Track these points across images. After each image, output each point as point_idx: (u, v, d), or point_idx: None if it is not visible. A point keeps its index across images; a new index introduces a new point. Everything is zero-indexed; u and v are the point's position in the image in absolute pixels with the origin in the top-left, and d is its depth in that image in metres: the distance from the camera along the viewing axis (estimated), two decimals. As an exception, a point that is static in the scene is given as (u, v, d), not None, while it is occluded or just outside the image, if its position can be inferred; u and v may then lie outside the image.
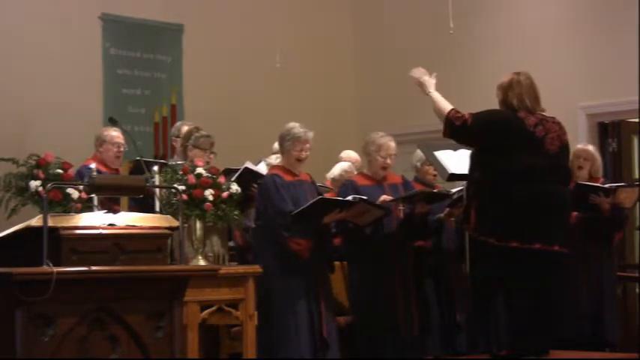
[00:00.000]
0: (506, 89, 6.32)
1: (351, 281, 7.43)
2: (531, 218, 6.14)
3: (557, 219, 6.25)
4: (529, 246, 6.13)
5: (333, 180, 7.82)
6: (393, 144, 7.37)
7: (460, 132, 6.31)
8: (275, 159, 7.65)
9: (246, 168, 7.11)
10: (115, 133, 7.56)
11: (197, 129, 7.32)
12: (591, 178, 7.83)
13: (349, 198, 6.95)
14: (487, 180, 6.26)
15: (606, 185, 7.70)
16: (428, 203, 7.29)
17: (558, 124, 6.35)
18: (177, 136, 7.86)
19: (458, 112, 6.30)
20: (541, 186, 6.18)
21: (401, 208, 7.24)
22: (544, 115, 6.31)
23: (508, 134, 6.21)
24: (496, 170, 6.21)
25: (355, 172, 7.93)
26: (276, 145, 8.03)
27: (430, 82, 6.54)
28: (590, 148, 7.95)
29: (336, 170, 7.91)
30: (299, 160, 7.00)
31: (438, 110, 6.39)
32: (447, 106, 6.36)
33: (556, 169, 6.28)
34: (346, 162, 8.07)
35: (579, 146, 7.84)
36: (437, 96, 6.45)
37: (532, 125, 6.22)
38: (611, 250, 7.96)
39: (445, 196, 7.35)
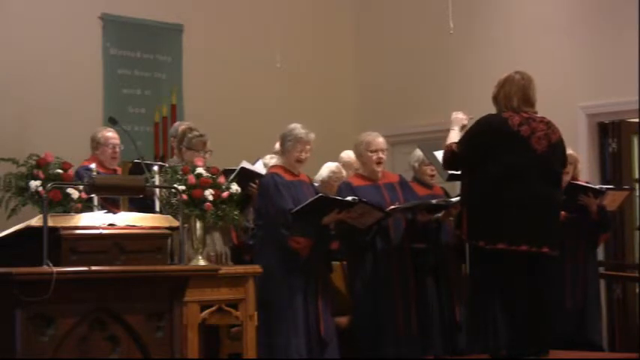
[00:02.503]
0: (500, 86, 6.32)
1: (351, 281, 7.43)
2: (519, 220, 6.09)
3: (546, 220, 6.20)
4: (516, 247, 6.11)
5: (322, 182, 7.79)
6: (381, 139, 7.40)
7: (451, 162, 6.36)
8: (269, 158, 7.66)
9: (243, 168, 7.10)
10: (109, 134, 7.53)
11: (190, 129, 7.30)
12: (574, 179, 7.85)
13: (348, 198, 6.95)
14: (475, 184, 6.25)
15: (597, 187, 7.73)
16: (429, 213, 7.31)
17: (547, 123, 6.26)
18: (176, 137, 7.86)
19: (450, 145, 6.33)
20: (528, 187, 6.12)
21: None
22: (531, 115, 6.23)
23: (492, 137, 6.17)
24: (483, 173, 6.18)
25: (344, 172, 7.92)
26: (277, 145, 8.02)
27: (459, 121, 6.55)
28: (572, 151, 7.97)
29: (324, 172, 7.87)
30: (299, 161, 7.02)
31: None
32: (447, 142, 6.40)
33: (544, 169, 6.21)
34: (333, 163, 8.03)
35: None
36: (452, 134, 6.48)
37: (516, 125, 6.16)
38: (596, 251, 7.99)
39: (445, 207, 7.33)
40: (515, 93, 6.23)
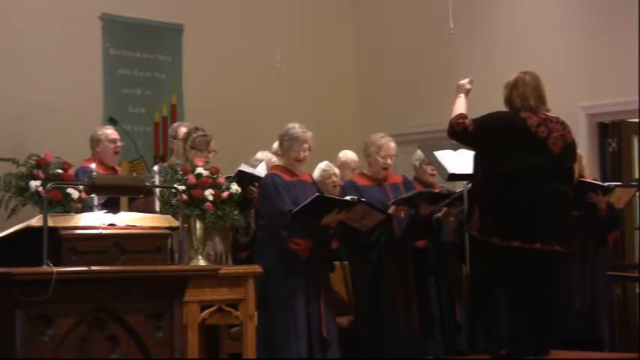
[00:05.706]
0: (511, 87, 6.35)
1: (352, 281, 7.44)
2: (533, 218, 6.15)
3: (559, 218, 6.26)
4: (530, 245, 6.14)
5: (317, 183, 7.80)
6: (393, 144, 7.40)
7: (461, 137, 6.33)
8: (269, 158, 7.64)
9: (240, 171, 7.09)
10: (109, 131, 7.59)
11: (195, 129, 7.30)
12: (580, 176, 7.85)
13: (347, 198, 6.94)
14: (490, 180, 6.28)
15: (605, 184, 7.73)
16: (431, 204, 7.30)
17: (562, 124, 6.35)
18: (175, 137, 7.84)
19: (462, 117, 6.29)
20: (543, 185, 6.19)
21: (401, 208, 7.25)
22: (547, 115, 6.31)
23: (510, 135, 6.22)
24: (498, 170, 6.22)
25: (335, 169, 7.93)
26: (275, 145, 8.03)
27: (463, 87, 6.55)
28: None
29: (316, 173, 7.87)
30: (298, 160, 7.00)
31: (452, 112, 6.42)
32: (457, 111, 6.37)
33: (559, 168, 6.29)
34: (323, 162, 8.04)
35: None
36: (459, 101, 6.47)
37: (534, 125, 6.22)
38: (606, 250, 7.98)
39: (447, 195, 7.35)
40: (531, 93, 6.30)
